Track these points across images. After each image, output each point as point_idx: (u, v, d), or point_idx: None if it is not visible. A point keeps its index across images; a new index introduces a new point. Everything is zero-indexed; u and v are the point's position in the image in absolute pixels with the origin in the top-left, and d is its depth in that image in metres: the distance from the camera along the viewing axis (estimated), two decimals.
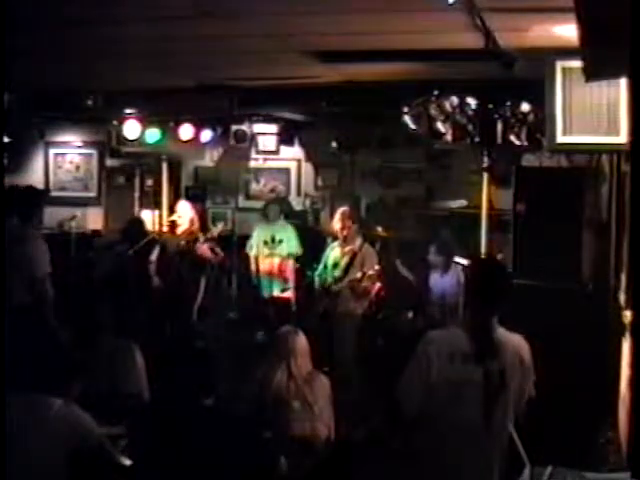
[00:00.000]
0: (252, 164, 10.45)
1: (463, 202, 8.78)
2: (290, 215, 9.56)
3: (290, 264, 8.74)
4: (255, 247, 8.93)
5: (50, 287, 5.82)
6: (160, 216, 9.94)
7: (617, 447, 4.13)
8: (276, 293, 8.82)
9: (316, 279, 7.81)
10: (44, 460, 3.41)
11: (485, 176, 6.30)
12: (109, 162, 10.51)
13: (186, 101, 8.09)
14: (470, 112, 6.11)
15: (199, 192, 10.45)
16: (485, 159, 6.22)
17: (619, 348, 4.31)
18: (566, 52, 4.20)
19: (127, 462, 3.72)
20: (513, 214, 5.61)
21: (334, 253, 7.66)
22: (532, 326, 3.76)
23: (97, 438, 3.62)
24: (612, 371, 4.42)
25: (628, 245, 3.73)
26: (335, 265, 7.57)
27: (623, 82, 3.91)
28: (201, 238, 8.28)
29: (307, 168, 10.41)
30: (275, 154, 10.39)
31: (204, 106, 8.23)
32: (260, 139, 10.26)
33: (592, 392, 4.74)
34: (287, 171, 10.47)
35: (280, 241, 8.84)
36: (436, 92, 6.29)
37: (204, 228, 9.05)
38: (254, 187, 10.56)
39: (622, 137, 4.17)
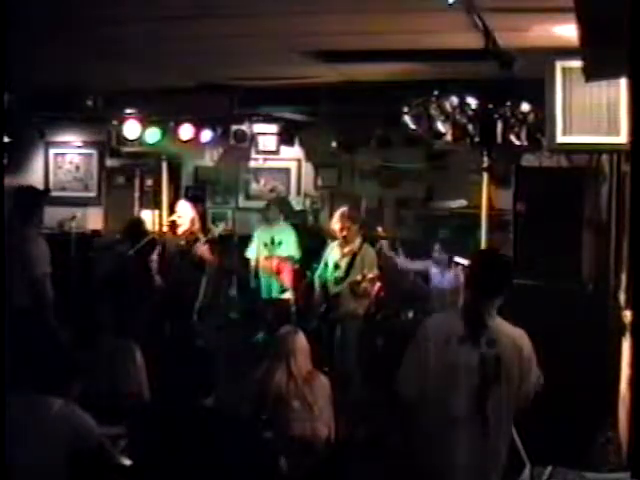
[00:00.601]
0: (252, 164, 10.43)
1: (463, 202, 8.77)
2: (290, 215, 9.54)
3: (288, 266, 8.74)
4: (255, 250, 8.92)
5: (50, 287, 5.81)
6: (160, 216, 9.91)
7: (617, 447, 4.14)
8: (275, 294, 8.81)
9: (316, 280, 7.81)
10: (44, 460, 3.40)
11: (485, 176, 6.29)
12: (109, 162, 10.47)
13: (186, 101, 8.09)
14: (470, 112, 6.10)
15: (199, 192, 10.44)
16: (485, 159, 6.20)
17: (619, 348, 4.32)
18: (566, 52, 4.20)
19: (127, 462, 3.72)
20: (513, 214, 5.63)
21: (334, 253, 7.65)
22: (532, 326, 3.76)
23: (97, 438, 3.61)
24: (612, 371, 4.43)
25: (628, 245, 3.74)
26: (335, 266, 7.57)
27: (623, 82, 3.92)
28: (202, 238, 8.26)
29: (307, 168, 10.39)
30: (275, 154, 10.37)
31: (204, 106, 8.23)
32: (260, 139, 10.25)
33: (592, 392, 4.74)
34: (287, 171, 10.45)
35: (279, 243, 8.83)
36: (436, 92, 6.28)
37: (204, 228, 9.04)
38: (254, 187, 10.53)
39: (622, 137, 4.17)
